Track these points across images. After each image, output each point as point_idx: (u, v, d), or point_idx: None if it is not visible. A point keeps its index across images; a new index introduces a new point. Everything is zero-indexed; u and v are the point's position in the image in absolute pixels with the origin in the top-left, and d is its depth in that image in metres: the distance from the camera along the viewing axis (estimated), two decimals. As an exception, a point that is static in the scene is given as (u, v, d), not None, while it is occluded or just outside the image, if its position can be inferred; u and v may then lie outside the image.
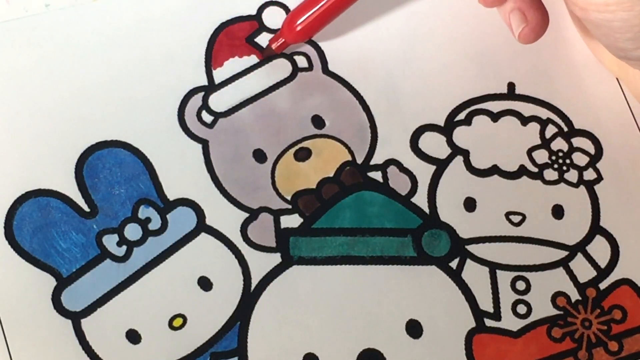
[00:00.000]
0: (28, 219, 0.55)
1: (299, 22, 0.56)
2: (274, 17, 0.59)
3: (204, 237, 0.56)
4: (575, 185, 0.58)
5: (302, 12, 0.56)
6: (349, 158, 0.58)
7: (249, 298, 0.55)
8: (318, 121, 0.58)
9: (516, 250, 0.57)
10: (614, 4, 0.48)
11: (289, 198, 0.57)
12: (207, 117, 0.57)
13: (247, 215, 0.56)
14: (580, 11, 0.51)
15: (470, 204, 0.57)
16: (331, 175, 0.57)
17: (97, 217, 0.55)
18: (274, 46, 0.57)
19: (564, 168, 0.58)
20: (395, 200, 0.57)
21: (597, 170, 0.58)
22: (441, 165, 0.58)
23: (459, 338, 0.55)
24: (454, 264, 0.56)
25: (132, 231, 0.55)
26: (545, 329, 0.56)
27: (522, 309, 0.56)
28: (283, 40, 0.57)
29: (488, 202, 0.58)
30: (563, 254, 0.57)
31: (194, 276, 0.55)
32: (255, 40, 0.59)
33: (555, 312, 0.56)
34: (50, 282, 0.54)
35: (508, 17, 0.54)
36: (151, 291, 0.55)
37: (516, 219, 0.57)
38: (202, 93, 0.58)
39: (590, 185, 0.58)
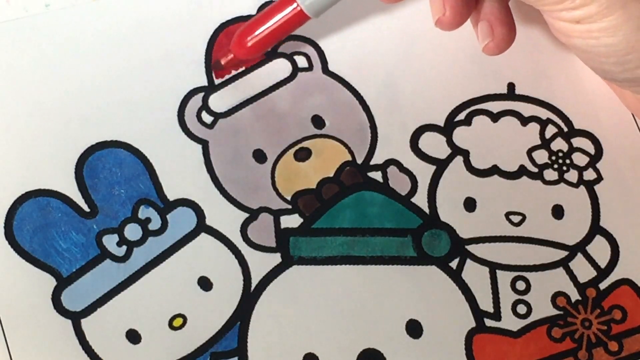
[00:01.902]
0: (28, 219, 0.55)
1: (249, 38, 0.55)
2: (273, 17, 0.59)
3: (204, 237, 0.56)
4: (575, 186, 0.58)
5: (253, 29, 0.55)
6: (349, 158, 0.58)
7: (249, 298, 0.55)
8: (318, 121, 0.58)
9: (516, 250, 0.57)
10: (597, 31, 0.49)
11: (289, 198, 0.57)
12: (207, 118, 0.57)
13: (247, 215, 0.56)
14: (564, 38, 0.51)
15: (470, 204, 0.57)
16: (331, 175, 0.57)
17: (97, 217, 0.55)
18: (222, 61, 0.57)
19: (564, 168, 0.58)
20: (395, 200, 0.57)
21: (597, 171, 0.58)
22: (441, 166, 0.58)
23: (459, 338, 0.55)
24: (454, 264, 0.56)
25: (132, 231, 0.55)
26: (545, 329, 0.56)
27: (522, 309, 0.56)
28: (232, 55, 0.57)
29: (488, 202, 0.58)
30: (563, 254, 0.57)
31: (194, 276, 0.55)
32: (255, 40, 0.59)
33: (555, 312, 0.56)
34: (50, 282, 0.54)
35: (476, 27, 0.54)
36: (151, 291, 0.55)
37: (516, 219, 0.57)
38: (202, 93, 0.58)
39: (590, 186, 0.58)
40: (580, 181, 0.58)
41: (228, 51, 0.57)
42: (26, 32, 0.57)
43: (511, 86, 0.59)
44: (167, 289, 0.55)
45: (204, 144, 0.57)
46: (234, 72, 0.58)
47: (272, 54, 0.59)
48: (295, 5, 0.54)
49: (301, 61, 0.59)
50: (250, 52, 0.56)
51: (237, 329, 0.55)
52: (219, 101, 0.58)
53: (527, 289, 0.56)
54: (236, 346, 0.54)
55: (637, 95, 0.56)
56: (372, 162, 0.58)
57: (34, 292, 0.54)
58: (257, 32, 0.55)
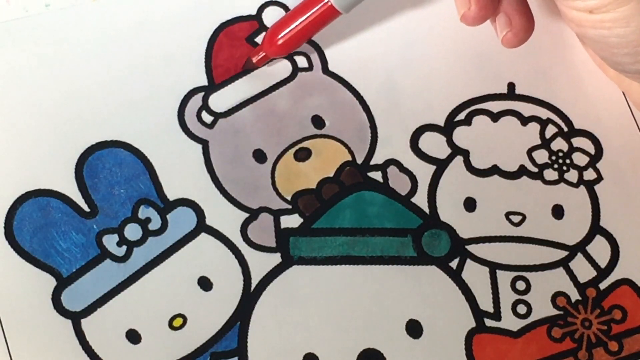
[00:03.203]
0: (28, 219, 0.55)
1: (280, 36, 0.56)
2: (274, 17, 0.59)
3: (204, 237, 0.56)
4: (575, 185, 0.58)
5: (284, 27, 0.56)
6: (349, 158, 0.58)
7: (249, 298, 0.55)
8: (318, 121, 0.58)
9: (516, 250, 0.57)
10: (610, 21, 0.48)
11: (289, 198, 0.57)
12: (207, 118, 0.57)
13: (247, 215, 0.56)
14: (576, 27, 0.51)
15: (470, 204, 0.57)
16: (331, 175, 0.57)
17: (97, 217, 0.55)
18: (254, 59, 0.57)
19: (564, 168, 0.58)
20: (395, 200, 0.57)
21: (597, 170, 0.58)
22: (441, 165, 0.58)
23: (459, 338, 0.55)
24: (454, 264, 0.56)
25: (132, 231, 0.55)
26: (545, 329, 0.56)
27: (522, 309, 0.56)
28: (263, 53, 0.57)
29: (488, 202, 0.58)
30: (563, 254, 0.57)
31: (194, 276, 0.55)
32: (256, 40, 0.59)
33: (555, 312, 0.56)
34: (50, 282, 0.54)
35: (494, 20, 0.54)
36: (151, 291, 0.55)
37: (516, 219, 0.57)
38: (202, 93, 0.58)
39: (590, 185, 0.58)
40: (581, 181, 0.58)
41: (260, 49, 0.57)
42: (26, 32, 0.57)
43: (511, 86, 0.59)
44: (167, 289, 0.55)
45: (204, 144, 0.57)
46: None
47: (272, 54, 0.59)
48: (325, 0, 0.54)
49: (301, 61, 0.59)
50: (281, 50, 0.56)
51: (237, 329, 0.55)
52: (219, 101, 0.58)
53: (527, 289, 0.56)
54: (236, 346, 0.54)
55: None
56: (372, 162, 0.58)
57: (34, 292, 0.54)
58: (287, 30, 0.55)
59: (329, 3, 0.54)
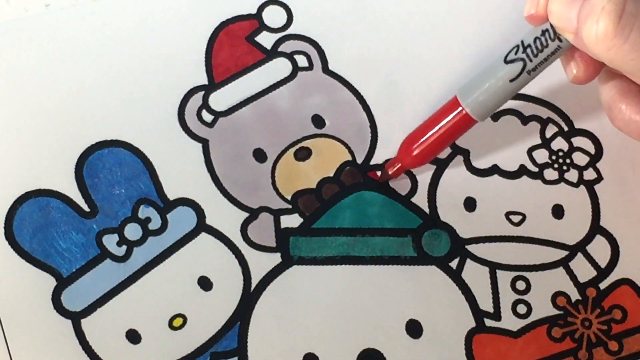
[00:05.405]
0: (28, 219, 0.55)
1: (415, 146, 0.55)
2: (274, 16, 0.59)
3: (204, 236, 0.56)
4: (576, 185, 0.58)
5: (419, 137, 0.55)
6: (349, 158, 0.57)
7: (249, 298, 0.55)
8: (318, 120, 0.58)
9: (516, 250, 0.57)
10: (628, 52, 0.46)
11: (289, 198, 0.57)
12: (207, 117, 0.57)
13: (247, 215, 0.56)
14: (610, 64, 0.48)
15: (470, 204, 0.57)
16: (331, 175, 0.57)
17: (97, 217, 0.55)
18: (390, 171, 0.57)
19: (564, 168, 0.58)
20: (395, 200, 0.57)
21: (597, 170, 0.58)
22: (441, 165, 0.58)
23: (459, 338, 0.55)
24: (454, 264, 0.56)
25: (132, 231, 0.55)
26: (545, 328, 0.56)
27: (522, 308, 0.56)
28: (400, 165, 0.56)
29: (488, 202, 0.57)
30: (563, 253, 0.57)
31: (194, 276, 0.55)
32: (256, 39, 0.59)
33: (555, 312, 0.56)
34: (50, 282, 0.54)
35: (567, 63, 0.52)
36: (151, 291, 0.55)
37: (516, 218, 0.57)
38: (202, 92, 0.58)
39: (590, 185, 0.58)
40: (581, 181, 0.58)
41: (395, 160, 0.56)
42: (26, 32, 0.57)
43: (512, 85, 0.59)
44: (167, 289, 0.55)
45: (204, 143, 0.57)
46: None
47: (272, 53, 0.58)
48: (460, 109, 0.53)
49: (301, 60, 0.59)
50: (416, 161, 0.56)
51: (237, 329, 0.55)
52: (219, 100, 0.58)
53: (527, 289, 0.56)
54: (236, 346, 0.55)
55: None
56: (372, 162, 0.58)
57: (34, 292, 0.54)
58: (422, 140, 0.55)
59: (464, 112, 0.53)
